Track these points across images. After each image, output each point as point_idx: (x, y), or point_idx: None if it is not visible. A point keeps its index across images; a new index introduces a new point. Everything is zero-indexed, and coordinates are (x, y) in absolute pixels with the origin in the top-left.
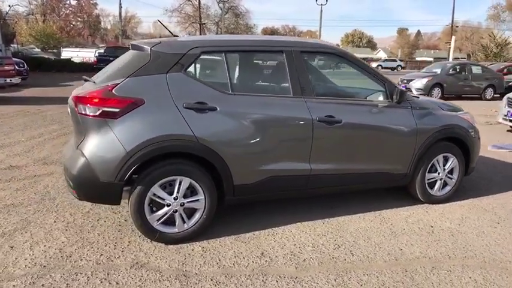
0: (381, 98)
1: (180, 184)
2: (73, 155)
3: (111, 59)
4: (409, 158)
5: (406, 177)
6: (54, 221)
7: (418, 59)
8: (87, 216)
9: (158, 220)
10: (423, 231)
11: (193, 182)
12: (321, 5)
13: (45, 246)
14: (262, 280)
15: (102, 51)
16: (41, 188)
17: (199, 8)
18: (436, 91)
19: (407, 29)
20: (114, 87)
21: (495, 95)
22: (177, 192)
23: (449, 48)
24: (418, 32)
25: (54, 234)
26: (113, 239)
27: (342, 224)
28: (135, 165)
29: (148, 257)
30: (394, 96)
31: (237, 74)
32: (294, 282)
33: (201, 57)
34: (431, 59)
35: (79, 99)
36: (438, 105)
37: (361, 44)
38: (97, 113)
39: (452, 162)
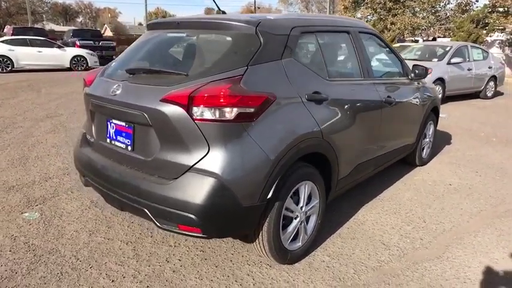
0: (399, 76)
1: (304, 190)
2: (188, 179)
3: None
4: (418, 128)
5: (413, 146)
6: None
7: None
8: (148, 262)
9: (289, 238)
10: (450, 189)
11: (313, 185)
12: None
13: None
14: (426, 267)
15: None
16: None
17: None
18: None
19: (213, 9)
20: (240, 80)
21: None
22: (303, 200)
23: None
24: (217, 12)
25: None
26: (231, 278)
27: (394, 198)
28: (278, 177)
29: (294, 285)
30: (412, 74)
31: (327, 57)
32: (447, 261)
33: (301, 39)
34: None
35: (197, 99)
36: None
37: None
38: (232, 116)
39: (432, 127)
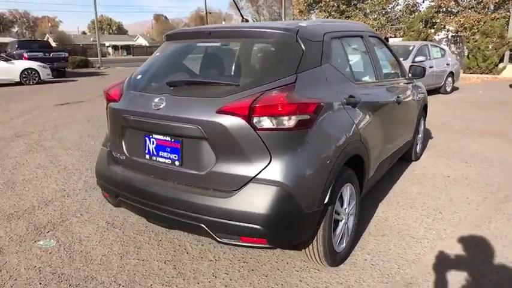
0: (400, 77)
1: (347, 192)
2: (251, 190)
3: None
4: (414, 125)
5: (411, 142)
6: None
7: None
8: (195, 280)
9: (337, 241)
10: (450, 180)
11: (352, 187)
12: None
13: None
14: (459, 255)
15: None
16: None
17: None
18: None
19: (163, 15)
20: (293, 88)
21: None
22: (346, 202)
23: None
24: (166, 18)
25: None
26: (286, 286)
27: (404, 193)
28: (333, 182)
29: (348, 286)
30: (410, 75)
31: (351, 61)
32: (475, 247)
33: (331, 44)
34: None
35: (258, 109)
36: None
37: (111, 31)
38: (291, 124)
39: (423, 123)
